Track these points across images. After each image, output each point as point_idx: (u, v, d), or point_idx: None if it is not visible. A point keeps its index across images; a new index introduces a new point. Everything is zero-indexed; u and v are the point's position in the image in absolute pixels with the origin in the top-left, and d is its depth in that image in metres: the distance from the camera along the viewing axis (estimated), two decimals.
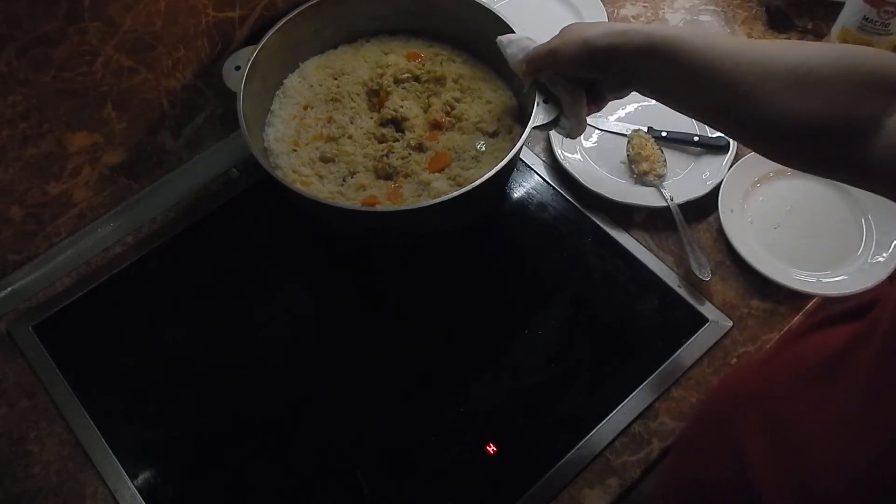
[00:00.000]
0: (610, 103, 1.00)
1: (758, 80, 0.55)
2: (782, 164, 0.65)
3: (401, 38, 0.97)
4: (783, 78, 0.54)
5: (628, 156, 0.94)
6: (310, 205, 0.78)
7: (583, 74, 0.71)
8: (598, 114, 0.99)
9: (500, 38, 0.78)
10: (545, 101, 0.78)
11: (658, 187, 0.91)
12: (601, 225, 0.90)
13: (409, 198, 0.83)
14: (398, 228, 0.84)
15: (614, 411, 0.77)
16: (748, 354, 0.80)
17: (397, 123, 0.89)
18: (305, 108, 0.91)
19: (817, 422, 0.46)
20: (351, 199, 0.83)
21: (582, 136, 0.97)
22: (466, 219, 0.89)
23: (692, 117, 0.86)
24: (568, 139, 0.96)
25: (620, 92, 0.72)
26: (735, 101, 0.57)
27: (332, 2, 0.90)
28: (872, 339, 0.44)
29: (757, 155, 0.92)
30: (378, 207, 0.81)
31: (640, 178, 0.92)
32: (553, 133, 0.95)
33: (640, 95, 1.00)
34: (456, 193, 0.74)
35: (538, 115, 0.80)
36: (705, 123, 0.83)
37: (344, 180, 0.85)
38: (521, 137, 0.79)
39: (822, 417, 0.46)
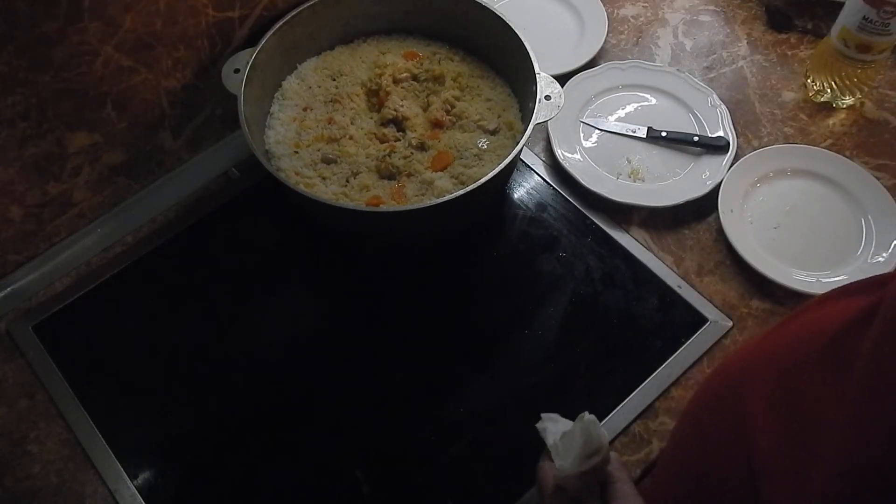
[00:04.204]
0: (609, 104, 1.01)
1: None
2: None
3: (397, 38, 0.98)
4: None
5: None
6: (314, 206, 0.78)
7: None
8: (599, 114, 1.00)
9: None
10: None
11: None
12: (601, 225, 0.90)
13: (413, 197, 0.83)
14: (402, 228, 0.84)
15: (614, 411, 0.77)
16: None
17: (398, 123, 0.89)
18: (305, 109, 0.91)
19: (820, 406, 0.44)
20: (355, 200, 0.83)
21: (582, 136, 0.98)
22: (469, 218, 0.89)
23: None
24: (566, 140, 0.96)
25: None
26: None
27: (328, 3, 0.90)
28: (873, 322, 0.41)
29: (757, 155, 0.93)
30: (383, 207, 0.82)
31: None
32: (553, 133, 0.95)
33: (639, 95, 1.02)
34: (461, 192, 0.74)
35: (540, 112, 0.80)
36: None
37: (347, 181, 0.85)
38: (522, 134, 0.79)
39: (824, 402, 0.43)
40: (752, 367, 0.54)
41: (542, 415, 0.62)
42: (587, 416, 0.57)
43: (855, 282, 0.51)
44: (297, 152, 0.87)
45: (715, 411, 0.56)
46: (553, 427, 0.61)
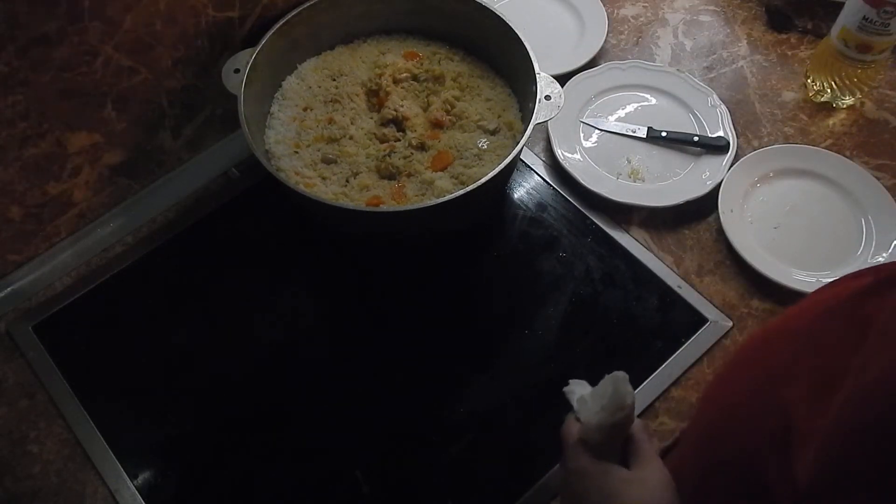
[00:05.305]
0: (609, 104, 1.01)
1: None
2: None
3: (397, 38, 0.98)
4: None
5: None
6: (314, 206, 0.78)
7: None
8: (599, 114, 1.00)
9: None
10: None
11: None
12: (601, 225, 0.90)
13: (413, 197, 0.83)
14: (402, 228, 0.84)
15: None
16: None
17: (398, 123, 0.89)
18: (305, 109, 0.91)
19: (838, 370, 0.44)
20: (355, 200, 0.83)
21: (582, 136, 0.98)
22: (469, 218, 0.89)
23: None
24: (566, 140, 0.96)
25: None
26: None
27: (328, 3, 0.90)
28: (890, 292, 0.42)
29: (757, 155, 0.94)
30: (382, 207, 0.82)
31: None
32: (552, 133, 0.95)
33: (639, 95, 1.02)
34: (461, 192, 0.74)
35: (540, 112, 0.80)
36: None
37: (347, 181, 0.85)
38: (522, 134, 0.79)
39: (840, 367, 0.43)
40: (780, 329, 0.55)
41: (571, 380, 0.62)
42: (618, 373, 0.57)
43: (884, 264, 0.51)
44: (297, 152, 0.87)
45: (744, 370, 0.56)
46: (580, 389, 0.61)
